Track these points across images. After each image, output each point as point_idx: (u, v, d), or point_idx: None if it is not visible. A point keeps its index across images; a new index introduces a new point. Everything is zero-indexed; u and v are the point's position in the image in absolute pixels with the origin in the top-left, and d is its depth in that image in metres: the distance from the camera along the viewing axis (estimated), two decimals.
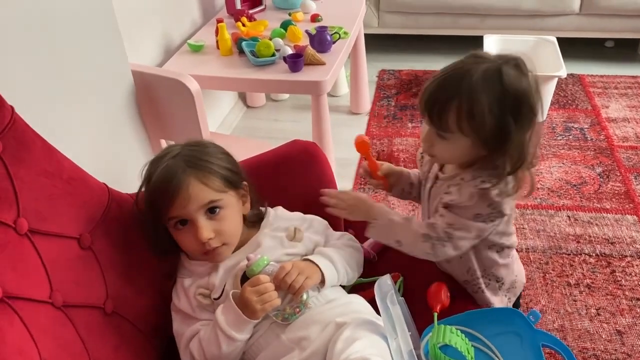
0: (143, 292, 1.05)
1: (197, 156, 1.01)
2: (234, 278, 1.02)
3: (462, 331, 0.99)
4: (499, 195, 0.97)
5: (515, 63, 0.93)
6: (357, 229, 1.30)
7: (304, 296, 0.99)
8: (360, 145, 1.16)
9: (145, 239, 1.05)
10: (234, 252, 1.06)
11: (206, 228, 0.98)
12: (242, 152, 1.26)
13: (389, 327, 0.92)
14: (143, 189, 1.03)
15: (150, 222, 1.01)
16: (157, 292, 1.07)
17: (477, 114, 0.91)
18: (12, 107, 0.86)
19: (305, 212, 1.18)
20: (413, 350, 0.89)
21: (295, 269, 0.98)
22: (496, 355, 0.98)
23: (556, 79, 2.50)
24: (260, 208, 1.14)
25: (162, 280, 1.07)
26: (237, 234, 1.06)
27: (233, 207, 1.03)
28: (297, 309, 0.98)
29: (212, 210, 0.99)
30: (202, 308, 1.02)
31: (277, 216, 1.14)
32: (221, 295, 1.02)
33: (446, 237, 1.01)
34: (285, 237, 1.09)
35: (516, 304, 1.24)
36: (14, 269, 0.80)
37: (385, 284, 0.96)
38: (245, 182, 1.08)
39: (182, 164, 0.98)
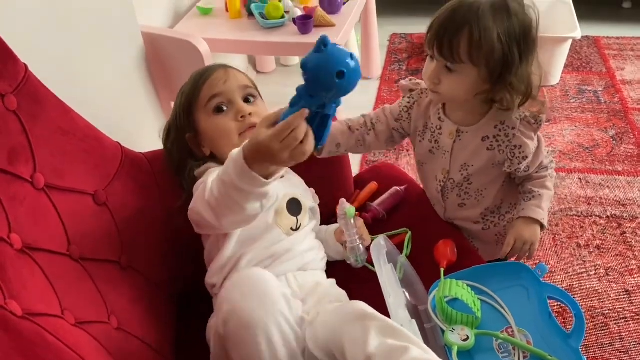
0: (157, 247, 1.07)
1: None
2: (282, 198, 1.07)
3: (468, 285, 1.01)
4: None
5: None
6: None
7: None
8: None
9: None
10: None
11: (245, 106, 1.08)
12: None
13: (385, 286, 0.94)
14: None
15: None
16: (169, 247, 1.10)
17: (487, 41, 0.94)
18: (25, 65, 0.88)
19: (309, 174, 1.21)
20: (407, 305, 0.91)
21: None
22: (503, 308, 1.00)
23: (570, 41, 2.45)
24: None
25: (173, 232, 1.10)
26: None
27: (263, 103, 1.14)
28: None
29: (247, 99, 1.10)
30: None
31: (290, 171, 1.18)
32: None
33: (551, 166, 1.14)
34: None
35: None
36: (33, 222, 0.82)
37: (379, 245, 0.97)
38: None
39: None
